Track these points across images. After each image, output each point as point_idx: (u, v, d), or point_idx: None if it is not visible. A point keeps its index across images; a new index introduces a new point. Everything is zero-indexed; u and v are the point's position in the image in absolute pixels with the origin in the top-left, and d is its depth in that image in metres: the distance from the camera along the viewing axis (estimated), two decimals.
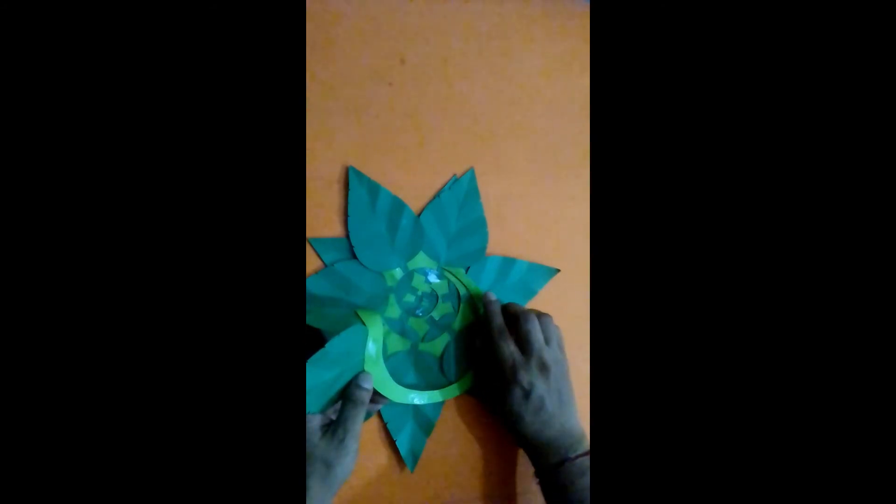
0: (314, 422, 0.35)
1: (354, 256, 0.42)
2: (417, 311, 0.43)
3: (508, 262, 0.46)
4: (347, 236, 0.42)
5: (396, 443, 0.41)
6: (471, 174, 0.46)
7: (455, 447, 0.43)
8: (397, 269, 0.43)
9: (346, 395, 0.36)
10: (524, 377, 0.39)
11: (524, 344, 0.40)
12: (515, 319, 0.41)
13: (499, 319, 0.41)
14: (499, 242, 0.46)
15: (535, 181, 0.48)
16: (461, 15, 0.47)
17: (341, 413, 0.35)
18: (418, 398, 0.41)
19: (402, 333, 0.43)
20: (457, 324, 0.44)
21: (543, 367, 0.39)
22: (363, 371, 0.37)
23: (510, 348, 0.40)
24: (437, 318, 0.44)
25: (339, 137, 0.43)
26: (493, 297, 0.43)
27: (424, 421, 0.42)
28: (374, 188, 0.42)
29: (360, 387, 0.36)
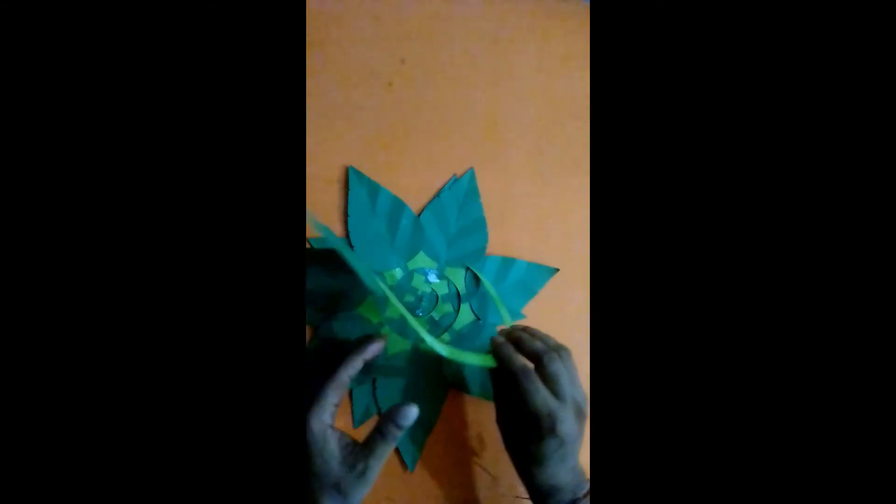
0: (334, 442, 0.32)
1: None
2: (417, 311, 0.43)
3: (508, 262, 0.46)
4: (347, 236, 0.42)
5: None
6: (471, 174, 0.46)
7: (455, 447, 0.43)
8: (397, 269, 0.43)
9: (378, 429, 0.33)
10: (563, 428, 0.34)
11: (554, 386, 0.35)
12: (536, 360, 0.36)
13: (519, 360, 0.36)
14: (499, 242, 0.46)
15: (535, 181, 0.48)
16: (461, 15, 0.47)
17: (370, 447, 0.33)
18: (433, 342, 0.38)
19: (402, 333, 0.43)
20: (457, 324, 0.44)
21: (581, 414, 0.35)
22: (405, 405, 0.34)
23: (543, 394, 0.34)
24: (437, 318, 0.44)
25: (339, 137, 0.43)
26: (500, 339, 0.38)
27: (424, 421, 0.42)
28: (374, 188, 0.42)
29: (396, 424, 0.33)
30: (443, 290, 0.44)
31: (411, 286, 0.43)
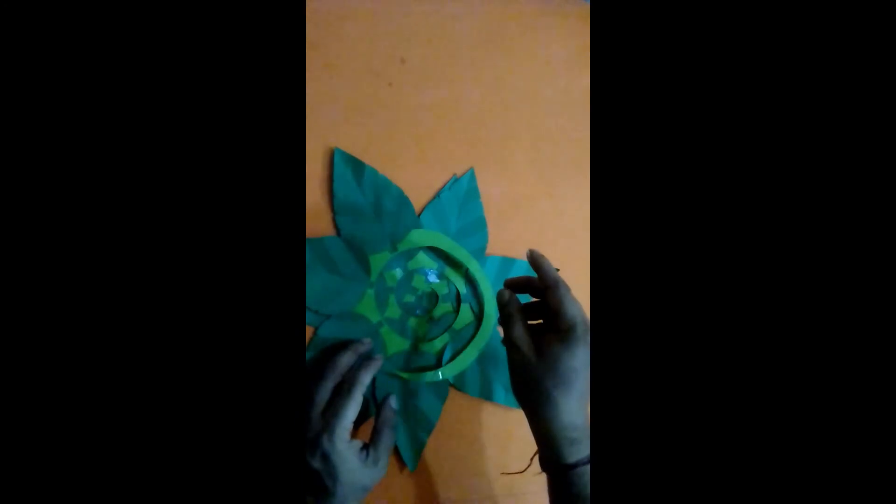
0: (353, 452, 0.35)
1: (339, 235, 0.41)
2: (417, 311, 0.43)
3: (508, 262, 0.46)
4: (333, 217, 0.41)
5: (396, 443, 0.41)
6: (471, 174, 0.46)
7: (455, 447, 0.43)
8: (397, 270, 0.43)
9: (382, 421, 0.38)
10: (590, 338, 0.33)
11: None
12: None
13: (554, 272, 0.36)
14: (499, 242, 0.46)
15: (535, 181, 0.48)
16: (461, 15, 0.47)
17: (380, 439, 0.37)
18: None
19: (402, 333, 0.43)
20: (457, 324, 0.44)
21: None
22: (391, 394, 0.41)
23: (577, 303, 0.34)
24: (437, 318, 0.44)
25: (338, 137, 0.43)
26: (537, 252, 0.37)
27: (424, 421, 0.42)
28: (358, 166, 0.42)
29: (393, 409, 0.40)
30: (443, 290, 0.44)
31: (411, 286, 0.43)
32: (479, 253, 0.45)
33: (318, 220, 0.42)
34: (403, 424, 0.42)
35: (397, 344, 0.42)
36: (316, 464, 0.34)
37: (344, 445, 0.34)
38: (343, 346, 0.39)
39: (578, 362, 0.32)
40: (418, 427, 0.42)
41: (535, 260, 0.36)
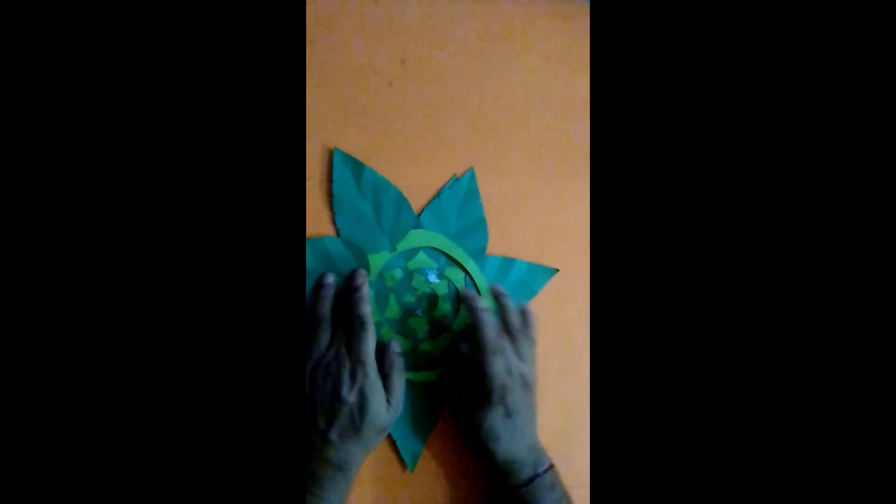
0: (380, 383, 0.37)
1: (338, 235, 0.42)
2: (417, 311, 0.43)
3: (508, 262, 0.46)
4: (333, 219, 0.42)
5: (396, 443, 0.41)
6: (471, 174, 0.46)
7: (455, 447, 0.43)
8: (397, 270, 0.43)
9: (389, 365, 0.38)
10: (510, 398, 0.37)
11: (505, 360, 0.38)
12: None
13: (493, 331, 0.38)
14: (499, 242, 0.46)
15: (535, 181, 0.48)
16: (461, 15, 0.47)
17: (391, 381, 0.38)
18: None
19: (402, 333, 0.43)
20: (457, 324, 0.44)
21: (526, 385, 0.39)
22: (393, 339, 0.40)
23: (499, 366, 0.37)
24: (437, 318, 0.44)
25: (338, 137, 0.43)
26: (482, 303, 0.40)
27: (425, 421, 0.42)
28: (358, 167, 0.42)
29: (397, 353, 0.40)
30: (443, 290, 0.44)
31: (411, 286, 0.43)
32: (479, 253, 0.45)
33: (317, 220, 0.42)
34: (403, 424, 0.42)
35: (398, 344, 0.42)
36: (352, 398, 0.35)
37: (375, 376, 0.36)
38: (342, 289, 0.40)
39: (498, 418, 0.38)
40: (418, 427, 0.42)
41: (473, 316, 0.39)
